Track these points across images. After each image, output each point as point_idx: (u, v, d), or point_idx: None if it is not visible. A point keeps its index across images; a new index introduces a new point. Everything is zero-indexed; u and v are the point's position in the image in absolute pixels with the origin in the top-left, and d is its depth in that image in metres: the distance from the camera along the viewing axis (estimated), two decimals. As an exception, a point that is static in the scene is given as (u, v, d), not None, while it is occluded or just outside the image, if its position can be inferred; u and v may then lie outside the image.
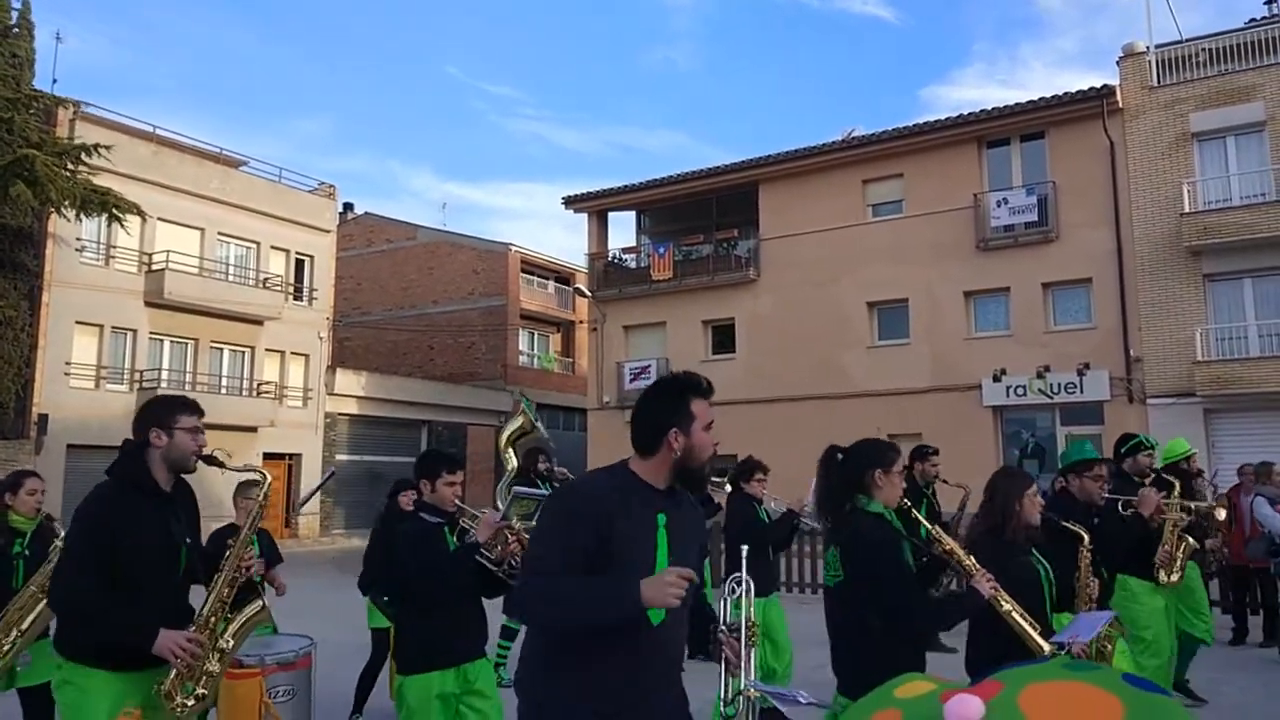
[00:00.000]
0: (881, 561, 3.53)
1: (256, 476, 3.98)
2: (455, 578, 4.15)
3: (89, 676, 3.19)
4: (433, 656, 4.09)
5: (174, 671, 3.18)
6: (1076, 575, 4.41)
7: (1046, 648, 3.55)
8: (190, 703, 3.24)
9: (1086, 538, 4.38)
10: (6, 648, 4.58)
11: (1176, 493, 5.94)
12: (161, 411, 3.43)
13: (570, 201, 28.08)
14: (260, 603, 3.48)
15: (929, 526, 3.73)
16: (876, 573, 3.54)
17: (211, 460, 3.50)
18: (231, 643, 3.40)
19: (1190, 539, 5.83)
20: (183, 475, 3.51)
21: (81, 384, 22.36)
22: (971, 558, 3.67)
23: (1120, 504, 5.40)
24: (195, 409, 3.50)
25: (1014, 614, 3.61)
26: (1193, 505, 6.52)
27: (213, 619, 3.35)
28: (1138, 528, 5.33)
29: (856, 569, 3.63)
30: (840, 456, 3.82)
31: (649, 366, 25.35)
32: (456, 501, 4.40)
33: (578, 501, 2.67)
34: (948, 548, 3.69)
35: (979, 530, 4.14)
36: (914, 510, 3.75)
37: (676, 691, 2.74)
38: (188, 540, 3.40)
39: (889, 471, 3.67)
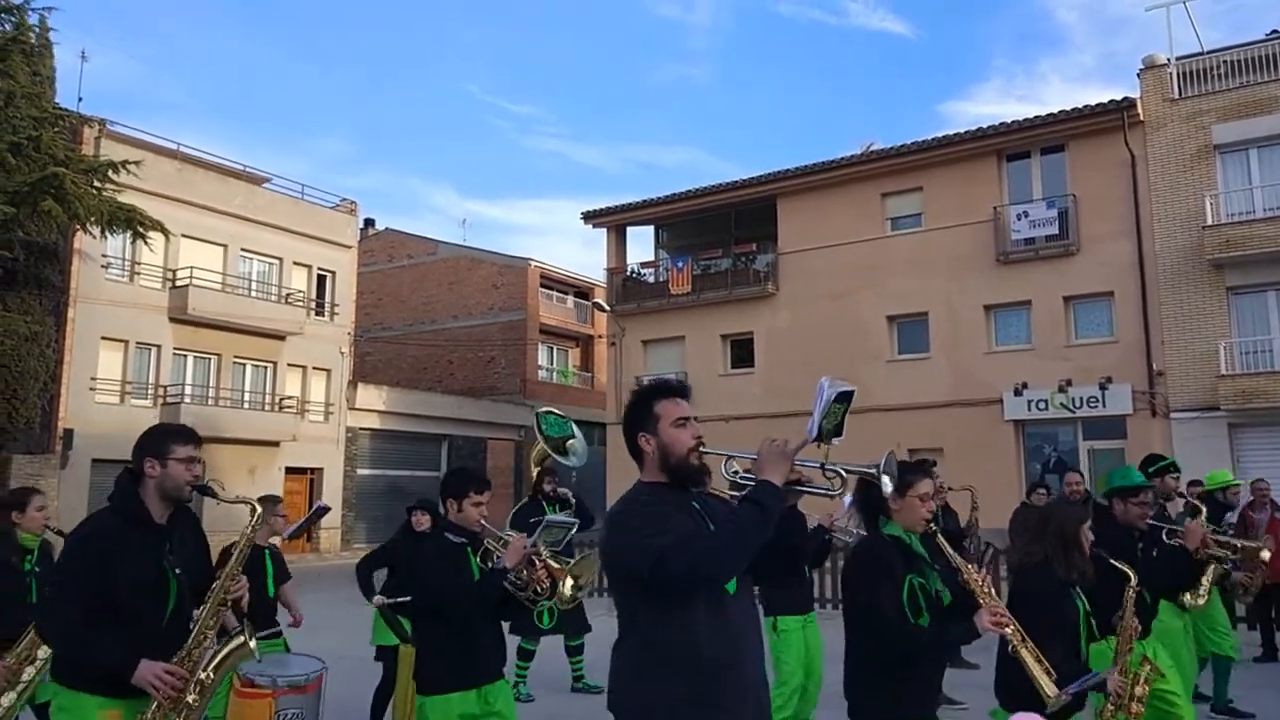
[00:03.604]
0: (863, 584, 3.48)
1: (253, 504, 3.80)
2: (479, 601, 4.16)
3: (80, 702, 3.24)
4: (454, 677, 4.10)
5: (155, 703, 3.21)
6: (1120, 614, 4.25)
7: (1052, 692, 3.44)
8: None
9: (1134, 578, 4.23)
10: (24, 682, 4.54)
11: (1204, 516, 5.89)
12: (157, 441, 3.46)
13: (589, 217, 28.19)
14: (242, 638, 3.42)
15: (954, 556, 3.55)
16: (859, 595, 3.50)
17: (206, 490, 3.51)
18: (212, 676, 3.32)
19: (1218, 562, 5.78)
20: (185, 504, 3.53)
21: (106, 399, 22.60)
22: (989, 589, 3.46)
23: (1165, 533, 5.31)
24: (190, 438, 3.52)
25: (1025, 653, 3.47)
26: (1239, 544, 6.48)
27: (195, 650, 3.33)
28: (1183, 562, 5.21)
29: (845, 589, 3.66)
30: None
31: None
32: (482, 522, 4.39)
33: (649, 506, 2.73)
34: (965, 578, 3.52)
35: (1030, 562, 3.89)
36: (939, 537, 3.58)
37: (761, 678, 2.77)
38: (177, 571, 3.39)
39: (904, 494, 3.57)
